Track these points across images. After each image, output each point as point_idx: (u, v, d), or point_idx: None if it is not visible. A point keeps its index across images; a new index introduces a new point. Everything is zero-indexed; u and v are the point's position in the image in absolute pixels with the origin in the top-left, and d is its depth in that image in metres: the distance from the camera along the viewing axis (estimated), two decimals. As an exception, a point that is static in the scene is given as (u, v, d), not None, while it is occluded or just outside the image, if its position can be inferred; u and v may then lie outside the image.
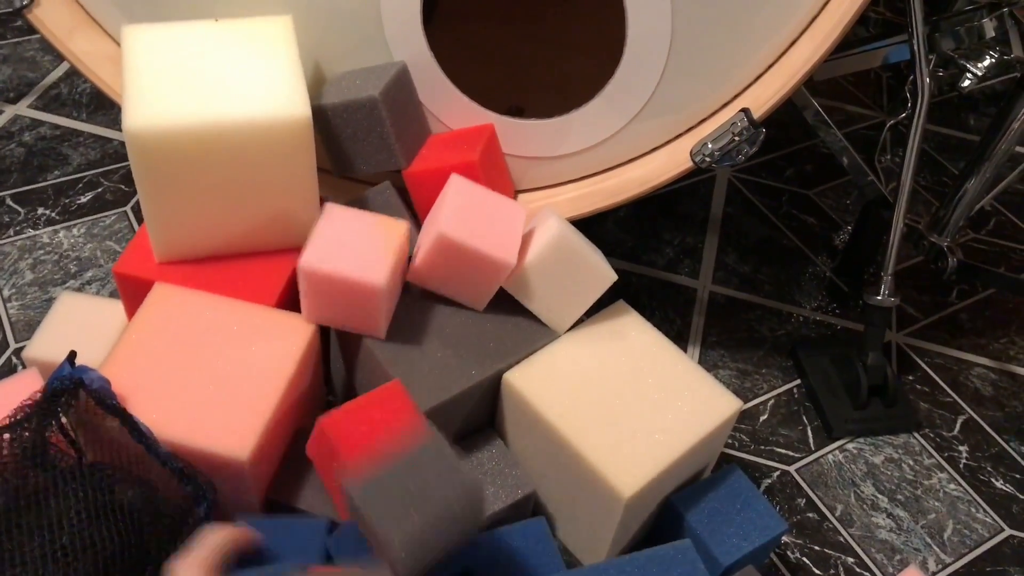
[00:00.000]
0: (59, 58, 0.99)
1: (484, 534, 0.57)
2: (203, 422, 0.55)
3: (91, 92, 0.96)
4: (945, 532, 0.70)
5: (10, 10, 0.69)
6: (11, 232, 0.81)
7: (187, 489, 0.53)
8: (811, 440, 0.75)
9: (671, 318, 0.83)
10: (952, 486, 0.73)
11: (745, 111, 0.62)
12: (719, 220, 0.94)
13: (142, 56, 0.60)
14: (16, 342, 0.73)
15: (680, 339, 0.81)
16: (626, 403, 0.59)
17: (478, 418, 0.63)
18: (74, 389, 0.53)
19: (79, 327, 0.66)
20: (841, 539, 0.69)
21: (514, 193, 0.74)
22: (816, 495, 0.72)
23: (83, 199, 0.85)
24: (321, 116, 0.65)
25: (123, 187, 0.86)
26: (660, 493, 0.60)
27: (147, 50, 0.60)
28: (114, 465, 0.52)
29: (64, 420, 0.52)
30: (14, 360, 0.72)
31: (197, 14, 0.67)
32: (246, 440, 0.54)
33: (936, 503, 0.72)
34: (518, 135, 0.70)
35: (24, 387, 0.58)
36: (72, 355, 0.56)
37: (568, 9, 0.98)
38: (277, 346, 0.59)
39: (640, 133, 0.68)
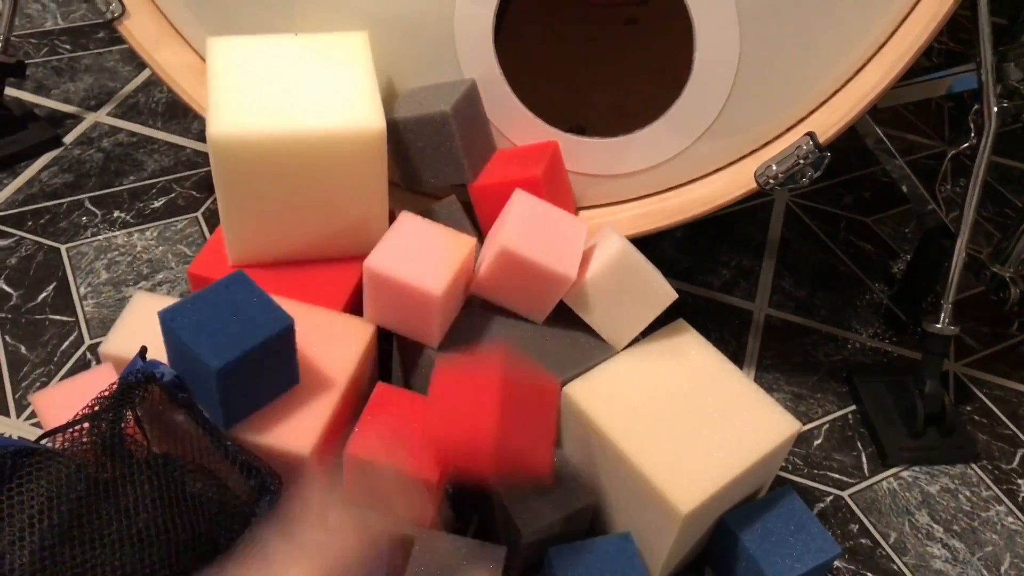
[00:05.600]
0: (138, 69, 1.03)
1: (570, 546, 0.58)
2: (267, 418, 0.57)
3: (167, 102, 1.00)
4: (1002, 566, 0.69)
5: (102, 20, 0.72)
6: (88, 233, 0.85)
7: (252, 482, 0.54)
8: (865, 466, 0.75)
9: (726, 339, 0.84)
10: (1010, 519, 0.72)
11: (811, 135, 0.63)
12: (776, 244, 0.94)
13: (226, 67, 0.62)
14: (91, 338, 0.76)
15: (735, 361, 0.81)
16: (685, 420, 0.60)
17: (535, 429, 0.64)
18: (146, 382, 0.55)
19: (152, 325, 0.68)
20: (895, 567, 0.68)
21: (576, 209, 0.75)
22: (870, 521, 0.71)
23: (156, 204, 0.88)
24: (393, 130, 0.67)
25: (195, 193, 0.89)
26: (716, 511, 0.60)
27: (231, 62, 0.63)
28: (184, 457, 0.54)
29: (138, 412, 0.54)
30: (88, 356, 0.75)
31: (276, 28, 0.70)
32: (309, 436, 0.56)
33: (993, 536, 0.71)
34: (581, 153, 0.71)
35: (99, 381, 0.60)
36: (143, 350, 0.58)
37: (632, 31, 1.00)
38: (340, 346, 0.61)
39: (704, 154, 0.69)
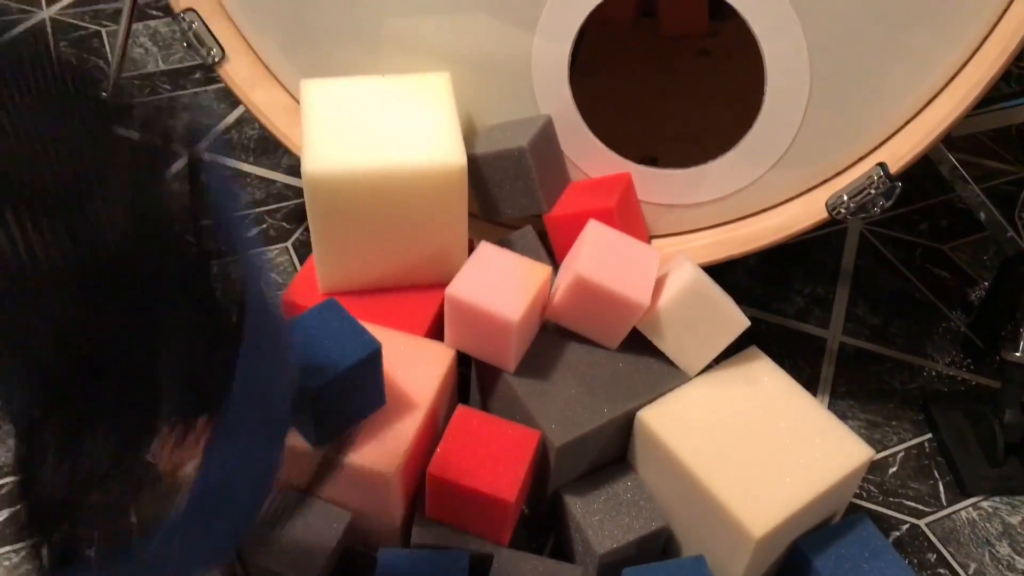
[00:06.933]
0: (230, 107, 1.09)
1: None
2: (356, 437, 0.60)
3: (258, 138, 1.05)
4: (1088, 599, 0.68)
5: (201, 63, 0.77)
6: (186, 262, 0.90)
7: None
8: (943, 495, 0.74)
9: (800, 367, 0.84)
10: (1096, 552, 0.71)
11: (882, 165, 0.64)
12: (850, 272, 0.94)
13: (319, 107, 0.67)
14: (189, 361, 0.81)
15: (809, 388, 0.81)
16: (758, 445, 0.61)
17: (610, 454, 0.66)
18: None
19: (247, 349, 0.73)
20: (974, 598, 0.68)
21: (648, 239, 0.77)
22: (948, 551, 0.71)
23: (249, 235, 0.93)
24: (473, 164, 0.71)
25: (285, 224, 0.94)
26: (789, 536, 0.61)
27: (323, 102, 0.67)
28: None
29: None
30: (186, 377, 0.79)
31: (363, 69, 0.74)
32: (394, 455, 0.59)
33: (1078, 568, 0.70)
34: (654, 183, 0.73)
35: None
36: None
37: (704, 63, 1.02)
38: (422, 370, 0.64)
39: (775, 184, 0.70)
